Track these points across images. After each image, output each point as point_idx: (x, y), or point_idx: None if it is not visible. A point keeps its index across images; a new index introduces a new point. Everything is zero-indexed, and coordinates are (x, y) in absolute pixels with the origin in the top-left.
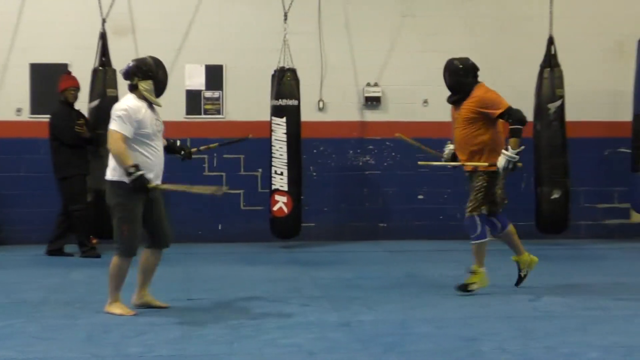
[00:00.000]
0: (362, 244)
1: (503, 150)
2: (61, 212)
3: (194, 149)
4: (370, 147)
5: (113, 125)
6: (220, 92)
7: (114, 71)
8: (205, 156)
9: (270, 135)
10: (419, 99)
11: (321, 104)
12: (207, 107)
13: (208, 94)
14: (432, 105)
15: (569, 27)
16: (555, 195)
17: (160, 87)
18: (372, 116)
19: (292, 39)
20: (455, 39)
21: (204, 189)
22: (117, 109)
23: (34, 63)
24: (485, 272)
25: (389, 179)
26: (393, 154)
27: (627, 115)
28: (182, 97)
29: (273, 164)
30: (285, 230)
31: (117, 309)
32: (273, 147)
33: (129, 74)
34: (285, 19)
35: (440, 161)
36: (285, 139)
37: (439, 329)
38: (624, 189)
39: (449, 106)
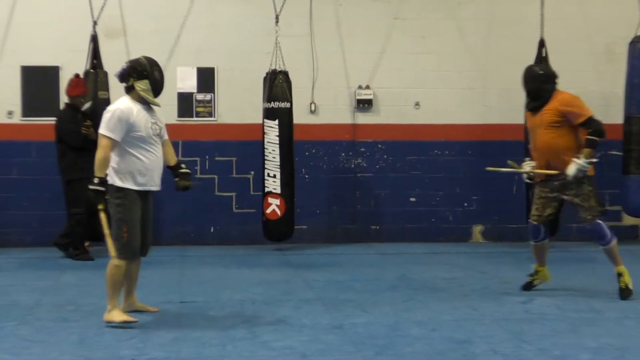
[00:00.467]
0: (355, 246)
1: (574, 159)
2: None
3: (188, 183)
4: (362, 149)
5: (102, 129)
6: (212, 94)
7: (106, 74)
8: (197, 159)
9: (263, 137)
10: (410, 101)
11: (313, 107)
12: (199, 109)
13: (200, 96)
14: (424, 107)
15: (560, 30)
16: None
17: (157, 86)
18: (363, 119)
19: (283, 41)
20: (446, 42)
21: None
22: (108, 111)
23: (25, 65)
24: (626, 270)
25: (381, 182)
26: (385, 156)
27: (618, 118)
28: (173, 99)
29: (266, 166)
30: (279, 232)
31: (117, 317)
32: (265, 150)
33: (123, 76)
34: (277, 22)
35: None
36: (277, 142)
37: (431, 331)
38: (615, 191)
39: (440, 108)
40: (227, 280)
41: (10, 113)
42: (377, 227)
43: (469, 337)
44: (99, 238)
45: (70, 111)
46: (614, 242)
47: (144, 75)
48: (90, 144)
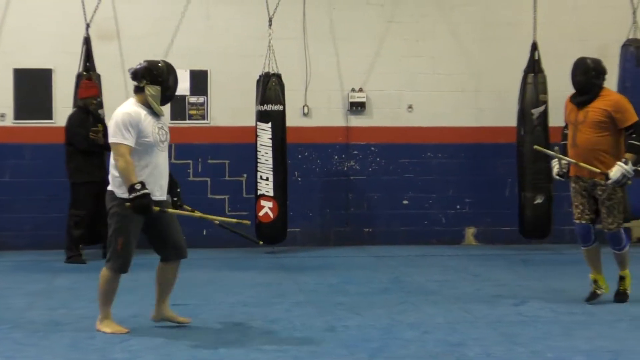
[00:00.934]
0: (347, 249)
1: (618, 162)
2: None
3: (188, 209)
4: (355, 152)
5: (116, 137)
6: (205, 97)
7: (99, 76)
8: (190, 161)
9: (256, 140)
10: (403, 104)
11: (306, 109)
12: (192, 112)
13: (193, 99)
14: (417, 110)
15: (553, 33)
16: (539, 200)
17: (168, 95)
18: (357, 121)
19: (277, 44)
20: (439, 45)
21: (226, 220)
22: (117, 117)
23: (17, 68)
24: (630, 275)
25: (374, 184)
26: (378, 159)
27: None
28: None
29: (259, 169)
30: (272, 235)
31: (107, 327)
32: (258, 153)
33: (137, 75)
34: (270, 24)
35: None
36: (270, 144)
37: (424, 334)
38: None
39: (433, 111)
40: (219, 283)
41: (2, 116)
42: (370, 230)
43: (462, 339)
44: (98, 241)
45: (81, 114)
46: (627, 247)
47: (158, 81)
48: (96, 148)
